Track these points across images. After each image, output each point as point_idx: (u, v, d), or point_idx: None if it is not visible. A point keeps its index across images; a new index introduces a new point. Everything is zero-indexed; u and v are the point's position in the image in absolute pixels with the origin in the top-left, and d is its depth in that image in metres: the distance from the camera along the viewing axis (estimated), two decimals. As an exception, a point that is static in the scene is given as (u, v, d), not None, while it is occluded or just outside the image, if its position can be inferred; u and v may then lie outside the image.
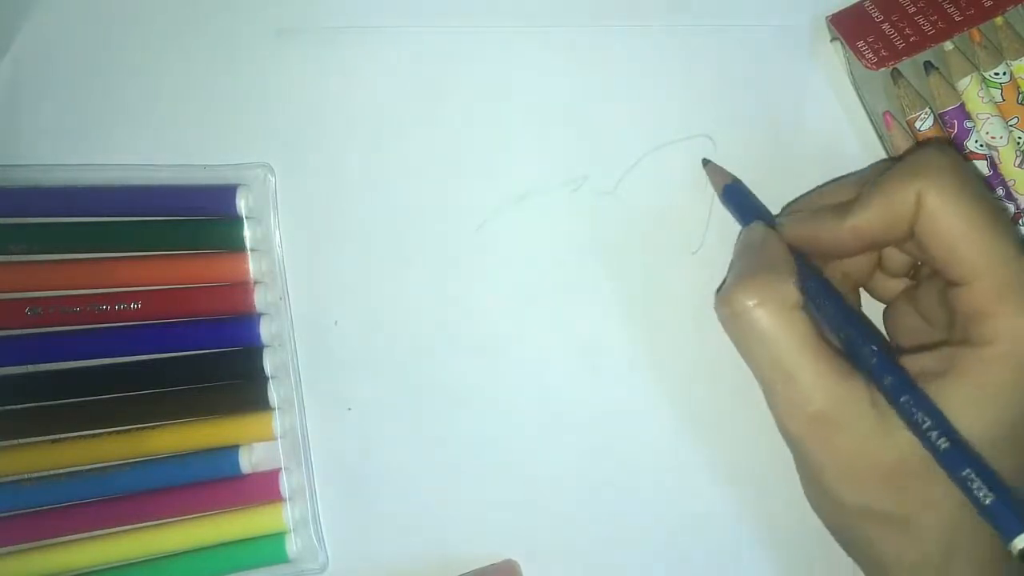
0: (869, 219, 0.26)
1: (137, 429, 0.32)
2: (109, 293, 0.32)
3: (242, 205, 0.32)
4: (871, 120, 0.33)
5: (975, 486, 0.23)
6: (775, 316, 0.26)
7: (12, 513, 0.32)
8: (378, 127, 0.34)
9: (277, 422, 0.33)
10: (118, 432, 0.32)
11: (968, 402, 0.25)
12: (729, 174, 0.32)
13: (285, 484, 0.32)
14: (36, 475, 0.32)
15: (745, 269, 0.27)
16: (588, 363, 0.33)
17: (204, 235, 0.33)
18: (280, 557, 0.33)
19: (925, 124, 0.32)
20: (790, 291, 0.26)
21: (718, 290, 0.28)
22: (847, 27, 0.32)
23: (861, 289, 0.31)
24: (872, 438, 0.25)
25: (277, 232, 0.33)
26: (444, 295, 0.33)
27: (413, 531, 0.33)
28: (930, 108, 0.32)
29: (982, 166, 0.32)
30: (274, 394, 0.32)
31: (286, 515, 0.32)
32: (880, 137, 0.33)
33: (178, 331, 0.32)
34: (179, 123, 0.34)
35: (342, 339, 0.33)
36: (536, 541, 0.33)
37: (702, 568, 0.33)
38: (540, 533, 0.33)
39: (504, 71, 0.34)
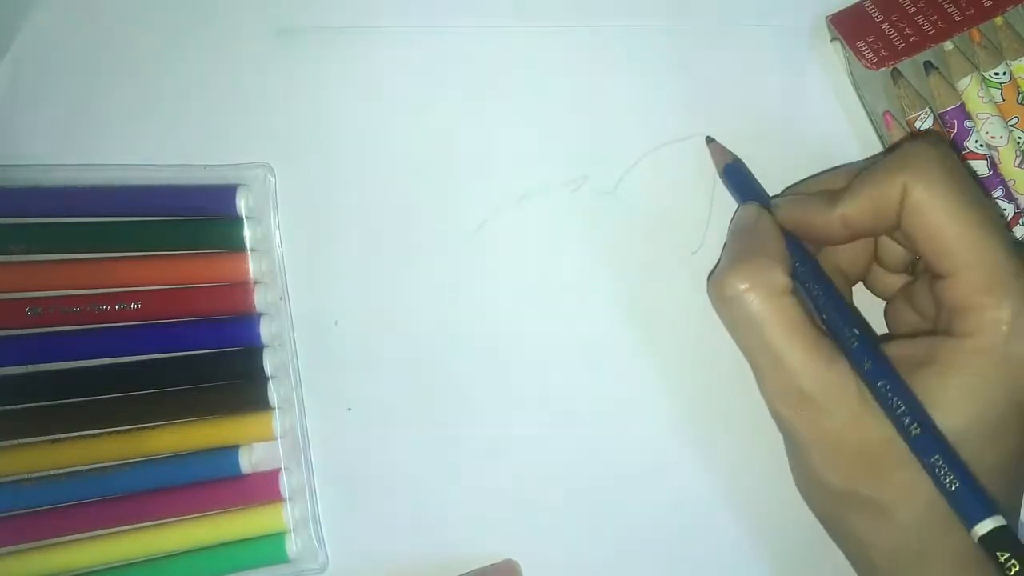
0: (857, 209, 0.27)
1: (137, 429, 0.32)
2: (109, 293, 0.32)
3: (242, 205, 0.32)
4: (871, 120, 0.33)
5: (942, 472, 0.24)
6: (765, 300, 0.26)
7: (12, 513, 0.32)
8: (378, 127, 0.34)
9: (277, 422, 0.33)
10: (118, 432, 0.32)
11: (950, 393, 0.25)
12: (731, 153, 0.32)
13: (285, 484, 0.32)
14: (36, 475, 0.32)
15: (737, 253, 0.28)
16: (588, 362, 0.33)
17: (204, 235, 0.33)
18: (280, 557, 0.33)
19: (925, 124, 0.32)
20: (780, 276, 0.27)
21: (711, 274, 0.28)
22: (847, 27, 0.32)
23: (863, 290, 0.32)
24: (857, 422, 0.26)
25: (277, 232, 0.33)
26: (444, 295, 0.33)
27: (413, 531, 0.33)
28: (930, 108, 0.32)
29: (982, 166, 0.32)
30: (274, 394, 0.32)
31: (286, 515, 0.32)
32: (880, 137, 0.33)
33: (178, 331, 0.32)
34: (179, 123, 0.34)
35: (342, 339, 0.33)
36: (536, 541, 0.33)
37: (702, 568, 0.33)
38: (540, 533, 0.33)
39: (504, 71, 0.34)
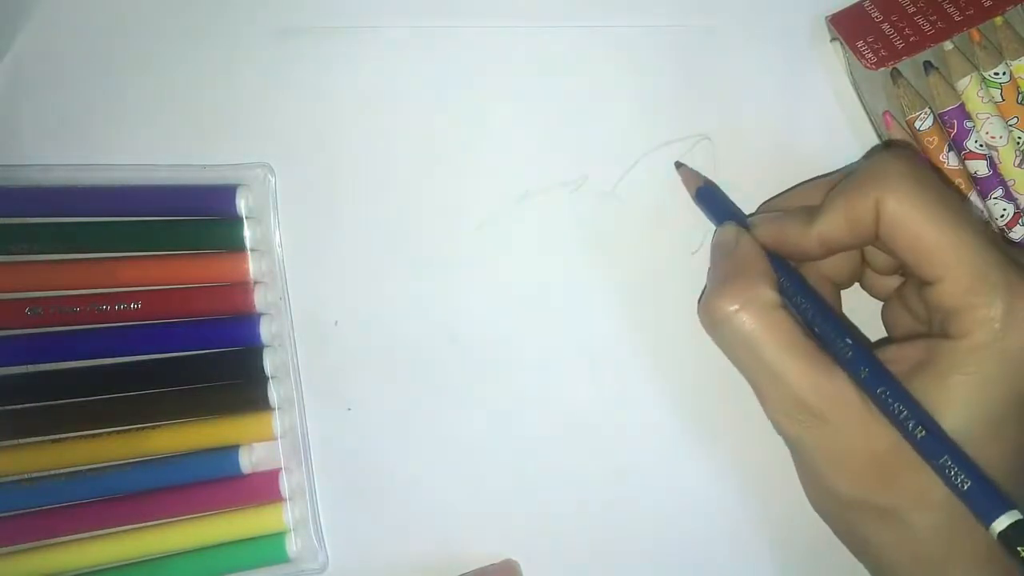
0: (832, 227, 0.27)
1: (137, 429, 0.32)
2: (109, 293, 0.32)
3: (242, 205, 0.32)
4: (871, 120, 0.33)
5: (952, 472, 0.24)
6: (757, 318, 0.26)
7: (12, 513, 0.32)
8: (378, 127, 0.34)
9: (277, 422, 0.33)
10: (118, 432, 0.32)
11: (950, 393, 0.25)
12: (701, 176, 0.32)
13: (285, 484, 0.32)
14: (36, 475, 0.32)
15: (722, 275, 0.28)
16: (588, 362, 0.33)
17: (204, 235, 0.33)
18: (280, 557, 0.33)
19: (925, 124, 0.32)
20: (768, 292, 0.27)
21: (699, 299, 0.28)
22: (847, 27, 0.32)
23: (855, 295, 0.32)
24: (862, 430, 0.26)
25: (277, 232, 0.33)
26: (444, 295, 0.33)
27: (413, 531, 0.33)
28: (930, 108, 0.32)
29: (982, 166, 0.32)
30: (274, 394, 0.32)
31: (286, 515, 0.32)
32: (880, 137, 0.33)
33: (178, 331, 0.32)
34: (179, 123, 0.34)
35: (342, 339, 0.33)
36: (536, 541, 0.33)
37: (702, 568, 0.33)
38: (540, 533, 0.33)
39: (504, 71, 0.34)
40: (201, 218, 0.33)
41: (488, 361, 0.33)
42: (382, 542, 0.33)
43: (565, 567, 0.33)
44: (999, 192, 0.32)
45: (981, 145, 0.32)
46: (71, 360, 0.32)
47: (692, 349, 0.33)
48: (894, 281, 0.30)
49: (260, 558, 0.32)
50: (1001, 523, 0.23)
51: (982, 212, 0.32)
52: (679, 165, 0.33)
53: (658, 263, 0.33)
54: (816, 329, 0.27)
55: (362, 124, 0.34)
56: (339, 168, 0.34)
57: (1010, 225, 0.32)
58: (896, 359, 0.26)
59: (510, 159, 0.33)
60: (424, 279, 0.33)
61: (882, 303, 0.31)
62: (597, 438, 0.33)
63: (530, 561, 0.33)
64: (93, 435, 0.32)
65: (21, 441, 0.32)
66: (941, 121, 0.32)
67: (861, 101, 0.33)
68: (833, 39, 0.33)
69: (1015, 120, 0.31)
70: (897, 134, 0.32)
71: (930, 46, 0.31)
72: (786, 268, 0.29)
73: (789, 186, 0.33)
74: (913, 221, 0.25)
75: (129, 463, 0.32)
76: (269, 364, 0.32)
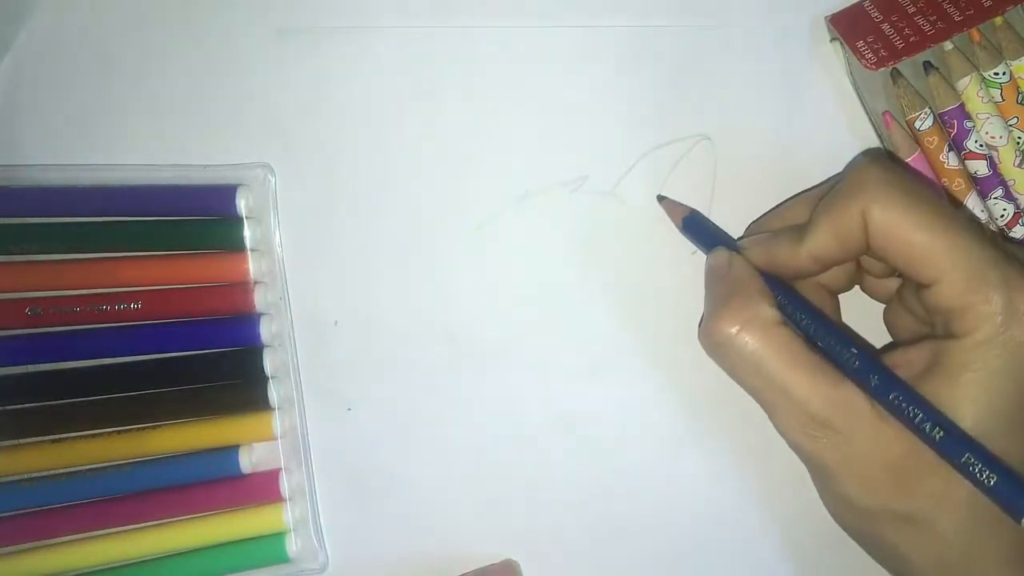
0: (821, 244, 0.27)
1: (137, 429, 0.32)
2: (109, 293, 0.32)
3: (242, 205, 0.32)
4: (871, 120, 0.33)
5: (976, 469, 0.23)
6: (758, 337, 0.26)
7: (12, 513, 0.32)
8: (378, 127, 0.34)
9: (277, 422, 0.33)
10: (118, 432, 0.32)
11: (960, 392, 0.25)
12: (685, 206, 0.32)
13: (285, 484, 0.32)
14: (36, 475, 0.32)
15: (719, 298, 0.28)
16: (588, 362, 0.33)
17: (204, 235, 0.33)
18: (280, 557, 0.33)
19: (925, 124, 0.32)
20: (767, 310, 0.27)
21: (699, 324, 0.28)
22: (847, 27, 0.32)
23: (855, 301, 0.32)
24: (876, 438, 0.26)
25: (277, 232, 0.33)
26: (444, 295, 0.33)
27: (413, 531, 0.33)
28: (930, 108, 0.32)
29: (982, 166, 0.32)
30: (274, 394, 0.32)
31: (286, 515, 0.32)
32: (880, 137, 0.33)
33: (178, 331, 0.32)
34: (179, 123, 0.34)
35: (342, 339, 0.33)
36: (536, 541, 0.33)
37: (702, 567, 0.33)
38: (540, 533, 0.33)
39: (504, 71, 0.34)
40: (201, 218, 0.33)
41: (488, 361, 0.33)
42: (382, 542, 0.33)
43: (565, 567, 0.33)
44: (999, 192, 0.32)
45: (981, 145, 0.32)
46: (71, 360, 0.32)
47: (692, 349, 0.33)
48: (893, 283, 0.30)
49: (260, 558, 0.32)
50: None
51: (982, 212, 0.32)
52: (661, 198, 0.33)
53: (658, 263, 0.33)
54: (820, 343, 0.27)
55: (362, 124, 0.34)
56: (339, 168, 0.34)
57: (1010, 225, 0.32)
58: (902, 364, 0.26)
59: (510, 159, 0.33)
60: (424, 279, 0.33)
61: (883, 306, 0.31)
62: (597, 438, 0.33)
63: (530, 561, 0.33)
64: (93, 435, 0.32)
65: (21, 441, 0.32)
66: (941, 121, 0.32)
67: (861, 101, 0.33)
68: (833, 39, 0.33)
69: (1015, 120, 0.31)
70: (897, 134, 0.32)
71: (930, 46, 0.31)
72: (782, 286, 0.28)
73: (789, 186, 0.33)
74: (901, 227, 0.25)
75: (129, 463, 0.32)
76: (269, 364, 0.32)
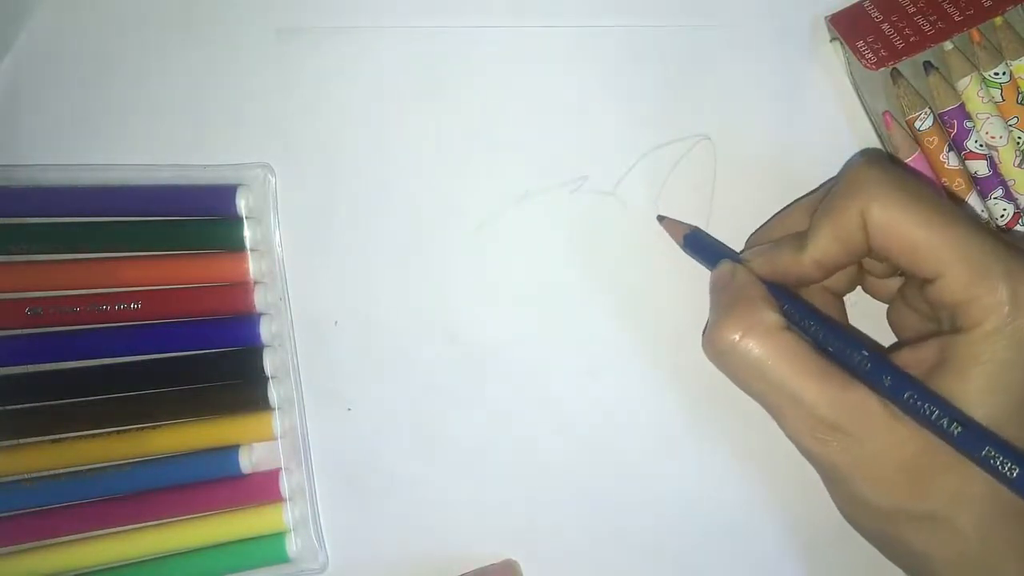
0: (823, 248, 0.27)
1: (137, 429, 0.32)
2: (109, 293, 0.32)
3: (242, 205, 0.32)
4: (871, 120, 0.33)
5: (998, 462, 0.23)
6: (763, 343, 0.26)
7: (12, 513, 0.32)
8: (378, 127, 0.34)
9: (277, 422, 0.33)
10: (118, 432, 0.32)
11: (972, 386, 0.25)
12: (686, 224, 0.32)
13: (285, 484, 0.32)
14: (36, 475, 0.32)
15: (721, 307, 0.28)
16: (588, 362, 0.33)
17: (204, 235, 0.33)
18: (280, 557, 0.33)
19: (925, 124, 0.32)
20: (769, 315, 0.26)
21: (703, 334, 0.28)
22: (847, 27, 0.32)
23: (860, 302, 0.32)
24: (889, 438, 0.25)
25: (277, 232, 0.33)
26: (444, 295, 0.33)
27: (413, 531, 0.33)
28: (930, 108, 0.32)
29: (982, 166, 0.32)
30: (274, 394, 0.32)
31: (286, 515, 0.32)
32: (880, 137, 0.33)
33: (178, 331, 0.32)
34: (179, 123, 0.34)
35: (342, 339, 0.33)
36: (536, 541, 0.33)
37: (702, 567, 0.33)
38: (540, 533, 0.33)
39: (504, 71, 0.34)
40: (201, 218, 0.33)
41: (488, 361, 0.33)
42: (382, 542, 0.33)
43: (565, 567, 0.33)
44: (999, 192, 0.32)
45: (981, 145, 0.32)
46: (71, 360, 0.32)
47: (692, 349, 0.33)
48: (895, 283, 0.30)
49: (260, 558, 0.32)
50: None
51: (982, 212, 0.32)
52: (661, 218, 0.33)
53: (658, 263, 0.33)
54: (830, 347, 0.27)
55: (362, 124, 0.34)
56: (339, 168, 0.34)
57: (1010, 225, 0.32)
58: (912, 363, 0.26)
59: (510, 159, 0.33)
60: (424, 279, 0.33)
61: (886, 305, 0.31)
62: (597, 438, 0.33)
63: (530, 561, 0.33)
64: (93, 435, 0.32)
65: (21, 441, 0.32)
66: (941, 121, 0.32)
67: (861, 101, 0.33)
68: (833, 39, 0.33)
69: (1015, 120, 0.31)
70: (897, 134, 0.32)
71: (930, 46, 0.31)
72: (787, 294, 0.28)
73: (789, 185, 0.33)
74: (901, 224, 0.25)
75: (129, 463, 0.32)
76: (269, 364, 0.32)
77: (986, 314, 0.25)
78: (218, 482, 0.32)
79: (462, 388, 0.33)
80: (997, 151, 0.32)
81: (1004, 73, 0.31)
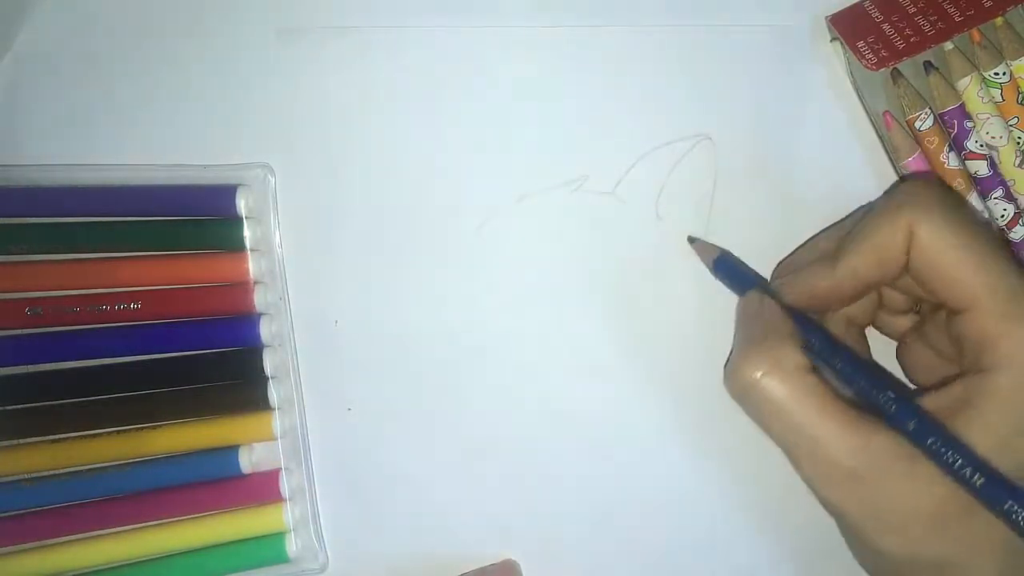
0: (862, 261, 0.27)
1: (137, 429, 0.32)
2: (109, 293, 0.32)
3: (242, 205, 0.32)
4: (871, 120, 0.33)
5: (1020, 517, 0.23)
6: (785, 383, 0.25)
7: (12, 513, 0.32)
8: (378, 127, 0.34)
9: (277, 422, 0.33)
10: (118, 432, 0.32)
11: (996, 432, 0.24)
12: (717, 248, 0.32)
13: (285, 484, 0.32)
14: (36, 475, 0.32)
15: (745, 341, 0.27)
16: (588, 362, 0.33)
17: (204, 235, 0.33)
18: (280, 557, 0.33)
19: (925, 124, 0.32)
20: (794, 354, 0.26)
21: (724, 367, 0.27)
22: (847, 27, 0.32)
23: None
24: (908, 486, 0.25)
25: (277, 232, 0.33)
26: (444, 295, 0.33)
27: (413, 531, 0.33)
28: (930, 108, 0.32)
29: (982, 166, 0.32)
30: (274, 394, 0.32)
31: (286, 515, 0.32)
32: (880, 137, 0.33)
33: (178, 331, 0.32)
34: (179, 123, 0.33)
35: (342, 339, 0.33)
36: (536, 541, 0.33)
37: (702, 567, 0.33)
38: (540, 533, 0.33)
39: (504, 71, 0.34)
40: (201, 218, 0.33)
41: (488, 361, 0.33)
42: (382, 542, 0.33)
43: (565, 567, 0.33)
44: (999, 192, 0.32)
45: (981, 145, 0.32)
46: (71, 360, 0.32)
47: (692, 348, 0.33)
48: (908, 320, 0.30)
49: (260, 558, 0.32)
50: None
51: (983, 212, 0.32)
52: (692, 240, 0.33)
53: (658, 263, 0.33)
54: (855, 387, 0.26)
55: (362, 124, 0.34)
56: (339, 168, 0.33)
57: (1010, 225, 0.32)
58: (935, 404, 0.26)
59: (510, 159, 0.33)
60: (424, 279, 0.33)
61: (896, 344, 0.31)
62: (597, 438, 0.33)
63: (530, 561, 0.33)
64: (93, 435, 0.32)
65: (21, 441, 0.32)
66: (941, 121, 0.32)
67: (861, 101, 0.33)
68: (833, 39, 0.33)
69: (1015, 120, 0.31)
70: (897, 134, 0.32)
71: (930, 46, 0.31)
72: (814, 327, 0.28)
73: (788, 186, 0.33)
74: (945, 247, 0.25)
75: (129, 463, 0.32)
76: (269, 364, 0.32)
77: (1013, 355, 0.24)
78: (218, 482, 0.32)
79: (462, 388, 0.33)
80: (997, 151, 0.32)
81: (1004, 73, 0.31)
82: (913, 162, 0.32)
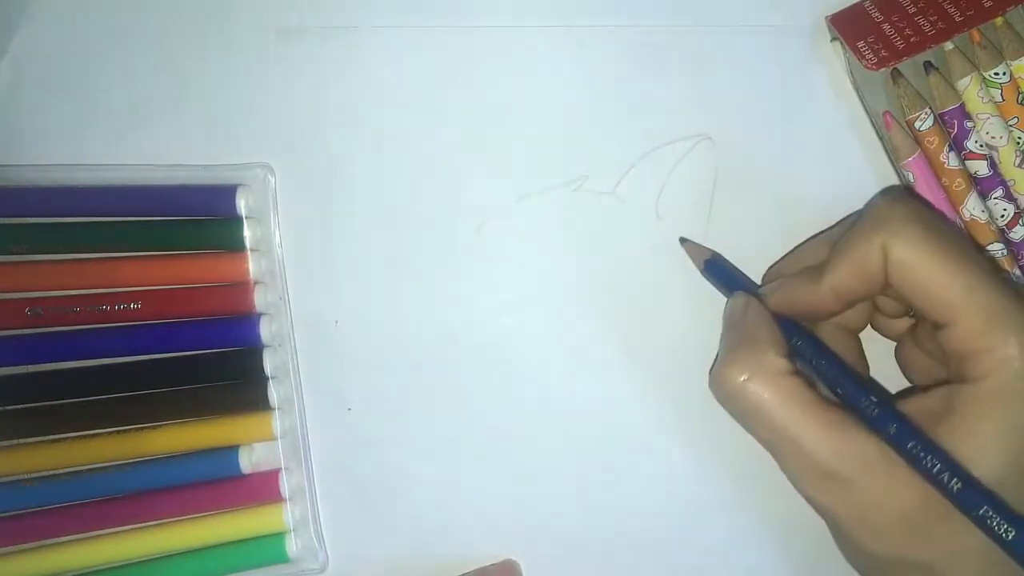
0: (843, 280, 0.27)
1: (137, 429, 0.32)
2: (109, 293, 0.32)
3: (242, 205, 0.32)
4: (871, 120, 0.33)
5: (994, 523, 0.23)
6: (767, 386, 0.26)
7: (12, 513, 0.32)
8: (378, 127, 0.34)
9: (277, 422, 0.33)
10: (118, 432, 0.32)
11: (977, 441, 0.24)
12: (708, 249, 0.32)
13: (285, 484, 0.32)
14: (36, 475, 0.32)
15: (730, 345, 0.28)
16: (587, 362, 0.33)
17: (204, 235, 0.33)
18: (280, 557, 0.33)
19: (925, 124, 0.32)
20: (775, 359, 0.26)
21: (710, 370, 0.28)
22: (847, 27, 0.32)
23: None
24: (888, 488, 0.25)
25: (277, 232, 0.33)
26: (444, 295, 0.33)
27: (413, 531, 0.33)
28: (930, 108, 0.32)
29: (982, 166, 0.32)
30: (274, 394, 0.32)
31: (286, 515, 0.32)
32: (880, 137, 0.33)
33: (178, 331, 0.32)
34: (179, 123, 0.34)
35: (342, 339, 0.33)
36: (536, 541, 0.33)
37: (702, 567, 0.33)
38: (540, 533, 0.33)
39: (504, 71, 0.34)
40: (201, 218, 0.33)
41: (488, 361, 0.33)
42: (382, 542, 0.33)
43: (565, 567, 0.33)
44: (999, 192, 0.32)
45: (981, 145, 0.32)
46: (71, 360, 0.32)
47: (692, 348, 0.33)
48: (905, 323, 0.30)
49: (260, 558, 0.32)
50: None
51: (982, 212, 0.32)
52: (683, 240, 0.33)
53: (658, 263, 0.33)
54: (839, 390, 0.27)
55: (362, 124, 0.34)
56: (339, 168, 0.33)
57: (1010, 225, 0.32)
58: (918, 411, 0.26)
59: (510, 159, 0.33)
60: (424, 279, 0.33)
61: (895, 343, 0.31)
62: (597, 438, 0.33)
63: (530, 561, 0.33)
64: (93, 435, 0.32)
65: (21, 441, 0.32)
66: (941, 121, 0.32)
67: (861, 101, 0.33)
68: (833, 39, 0.33)
69: (1015, 120, 0.31)
70: (897, 134, 0.32)
71: (931, 46, 0.31)
72: (801, 331, 0.28)
73: (789, 186, 0.33)
74: (921, 264, 0.25)
75: (129, 463, 0.32)
76: (269, 364, 0.32)
77: (995, 368, 0.24)
78: (218, 482, 0.32)
79: (462, 388, 0.33)
80: (997, 151, 0.32)
81: (1004, 73, 0.31)
82: (913, 162, 0.32)
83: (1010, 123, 0.31)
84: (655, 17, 0.34)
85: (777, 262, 0.32)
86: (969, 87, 0.31)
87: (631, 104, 0.34)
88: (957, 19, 0.31)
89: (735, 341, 0.28)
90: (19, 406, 0.32)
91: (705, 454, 0.33)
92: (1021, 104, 0.31)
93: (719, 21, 0.34)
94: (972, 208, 0.32)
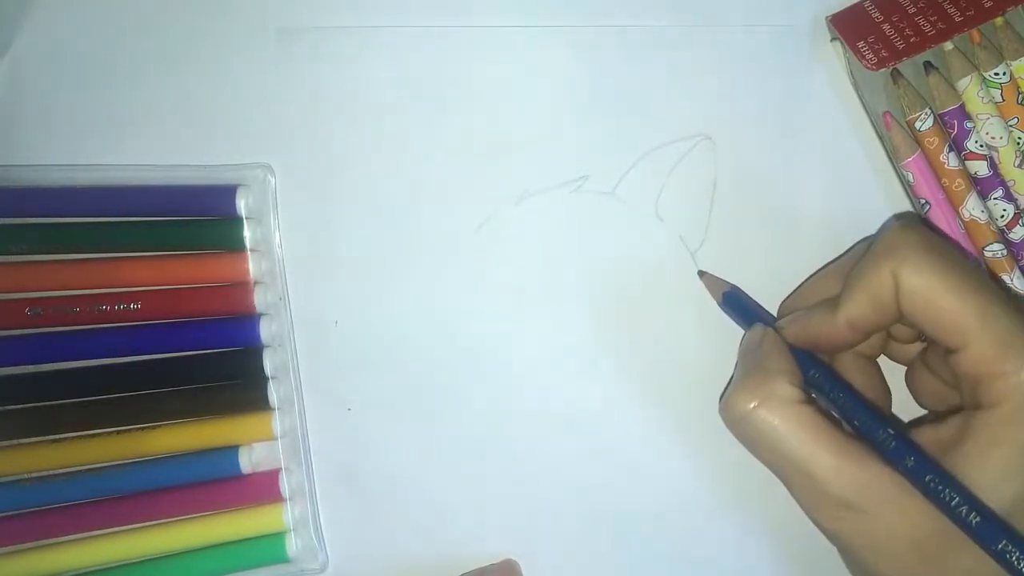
0: (857, 311, 0.27)
1: (137, 429, 0.32)
2: (109, 293, 0.32)
3: (242, 205, 0.32)
4: (871, 120, 0.33)
5: (1014, 558, 0.23)
6: (778, 414, 0.26)
7: (12, 513, 0.32)
8: (378, 127, 0.34)
9: (277, 422, 0.33)
10: (118, 432, 0.32)
11: (991, 469, 0.24)
12: (726, 282, 0.32)
13: (285, 484, 0.33)
14: (36, 475, 0.32)
15: (743, 373, 0.28)
16: (588, 362, 0.33)
17: (204, 235, 0.33)
18: (280, 557, 0.33)
19: (925, 124, 0.32)
20: (785, 387, 0.26)
21: (720, 398, 0.28)
22: (847, 27, 0.32)
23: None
24: (903, 518, 0.25)
25: (277, 232, 0.33)
26: (444, 295, 0.33)
27: (413, 531, 0.33)
28: (930, 108, 0.32)
29: (982, 166, 0.32)
30: (274, 394, 0.32)
31: (286, 515, 0.32)
32: (880, 137, 0.33)
33: (178, 331, 0.32)
34: (179, 123, 0.33)
35: (342, 339, 0.33)
36: (536, 541, 0.33)
37: (701, 567, 0.33)
38: (540, 533, 0.33)
39: (504, 71, 0.34)
40: (201, 218, 0.33)
41: (488, 361, 0.33)
42: (382, 542, 0.33)
43: (565, 567, 0.33)
44: (999, 192, 0.32)
45: (981, 145, 0.32)
46: (71, 360, 0.32)
47: (692, 348, 0.33)
48: (916, 347, 0.30)
49: (260, 558, 0.33)
50: None
51: (982, 212, 0.32)
52: (702, 273, 0.33)
53: (657, 263, 0.33)
54: (856, 422, 0.27)
55: (362, 124, 0.34)
56: (339, 168, 0.33)
57: (1010, 226, 0.32)
58: (933, 440, 0.26)
59: (510, 159, 0.33)
60: (424, 279, 0.33)
61: (905, 367, 0.31)
62: (596, 437, 0.33)
63: (530, 561, 0.33)
64: (93, 435, 0.32)
65: (21, 441, 0.32)
66: (941, 121, 0.32)
67: (861, 101, 0.33)
68: (833, 39, 0.33)
69: (1015, 120, 0.31)
70: (897, 134, 0.32)
71: (931, 46, 0.31)
72: (818, 363, 0.28)
73: (789, 187, 0.33)
74: (932, 291, 0.25)
75: (129, 463, 0.32)
76: (269, 364, 0.32)
77: (1008, 393, 0.24)
78: (218, 482, 0.32)
79: (462, 388, 0.33)
80: (997, 151, 0.32)
81: (1004, 73, 0.31)
82: (913, 162, 0.32)
83: (1010, 123, 0.31)
84: (655, 17, 0.34)
85: (791, 295, 0.32)
86: (969, 87, 0.31)
87: (631, 104, 0.34)
88: (957, 19, 0.31)
89: (748, 369, 0.28)
90: (19, 406, 0.32)
91: (704, 453, 0.33)
92: (1021, 104, 0.31)
93: (719, 21, 0.34)
94: (972, 208, 0.32)
